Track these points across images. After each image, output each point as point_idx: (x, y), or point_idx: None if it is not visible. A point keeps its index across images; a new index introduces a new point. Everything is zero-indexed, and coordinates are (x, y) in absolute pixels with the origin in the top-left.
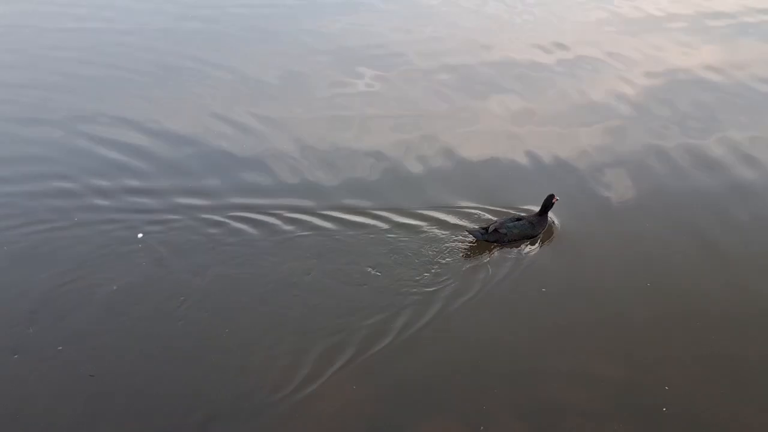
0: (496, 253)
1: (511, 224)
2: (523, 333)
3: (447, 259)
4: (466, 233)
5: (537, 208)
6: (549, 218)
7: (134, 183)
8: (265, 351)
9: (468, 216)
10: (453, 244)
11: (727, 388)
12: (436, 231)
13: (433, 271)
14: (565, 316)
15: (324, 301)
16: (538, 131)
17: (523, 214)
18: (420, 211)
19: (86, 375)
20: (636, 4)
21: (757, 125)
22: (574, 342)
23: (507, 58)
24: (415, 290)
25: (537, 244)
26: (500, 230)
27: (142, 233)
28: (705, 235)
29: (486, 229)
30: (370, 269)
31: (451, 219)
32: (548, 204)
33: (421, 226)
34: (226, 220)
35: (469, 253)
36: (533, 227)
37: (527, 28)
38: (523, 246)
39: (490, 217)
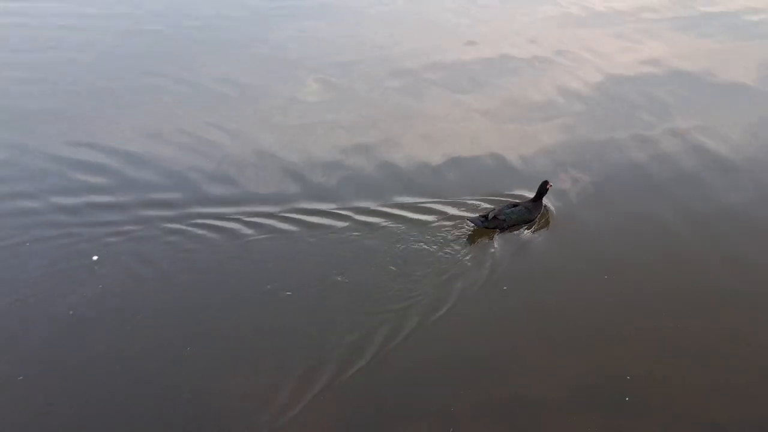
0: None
1: (509, 210)
2: (488, 331)
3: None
4: (468, 222)
5: (512, 199)
6: (543, 203)
7: (95, 198)
8: (241, 372)
9: (428, 210)
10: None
11: (688, 375)
12: (402, 228)
13: (410, 274)
14: (529, 312)
15: (303, 310)
16: (497, 128)
17: (518, 201)
18: (384, 209)
19: (45, 404)
20: (583, 4)
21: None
22: (539, 336)
23: (459, 61)
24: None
25: (532, 228)
26: (499, 217)
27: (97, 256)
28: (666, 224)
29: (486, 216)
30: (339, 277)
31: (414, 215)
32: (543, 190)
33: (380, 223)
34: (189, 228)
35: (468, 241)
36: (529, 212)
37: (475, 29)
38: (522, 230)
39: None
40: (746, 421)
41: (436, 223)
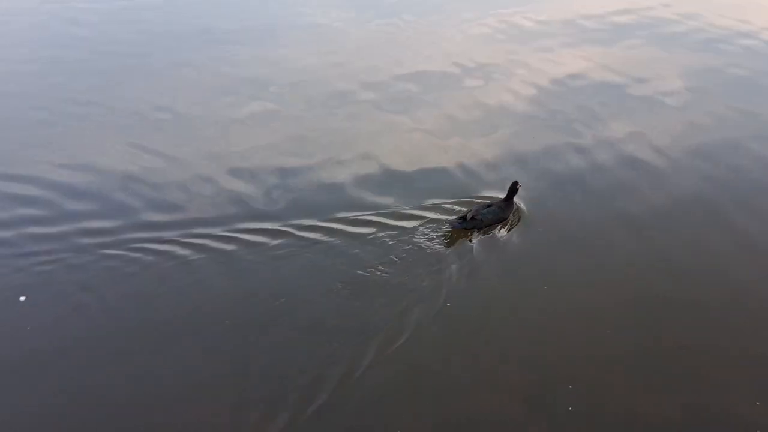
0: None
1: (485, 211)
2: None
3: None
4: (446, 224)
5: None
6: (514, 203)
7: (29, 230)
8: (195, 407)
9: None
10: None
11: (628, 382)
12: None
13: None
14: (469, 328)
15: (250, 338)
16: (437, 144)
17: (490, 202)
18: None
19: None
20: (511, 21)
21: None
22: (482, 349)
23: (393, 80)
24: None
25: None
26: (476, 217)
27: (24, 296)
28: (605, 230)
29: (464, 218)
30: (283, 299)
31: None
32: (513, 189)
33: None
34: (128, 252)
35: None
36: (503, 211)
37: (408, 49)
38: (497, 229)
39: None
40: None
41: (380, 234)
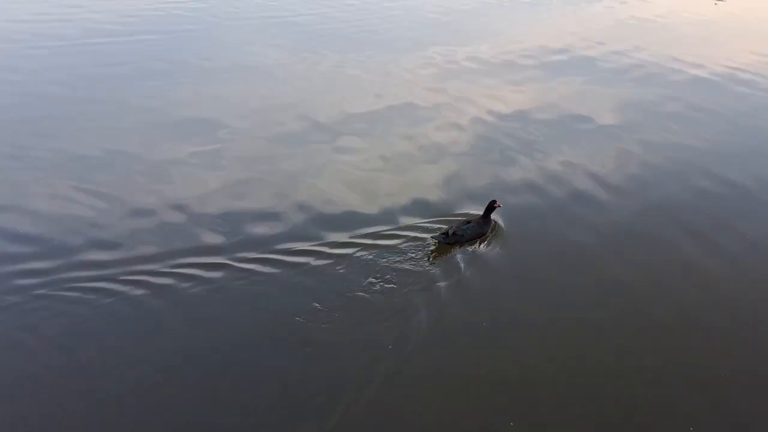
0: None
1: (465, 227)
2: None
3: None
4: (432, 240)
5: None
6: (492, 219)
7: None
8: None
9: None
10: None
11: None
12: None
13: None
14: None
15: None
16: (387, 176)
17: (469, 219)
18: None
19: None
20: (452, 57)
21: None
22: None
23: (339, 115)
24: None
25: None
26: (458, 233)
27: None
28: (551, 252)
29: (446, 233)
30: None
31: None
32: (490, 208)
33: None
34: (67, 293)
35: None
36: (481, 227)
37: (362, 85)
38: (477, 244)
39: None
40: None
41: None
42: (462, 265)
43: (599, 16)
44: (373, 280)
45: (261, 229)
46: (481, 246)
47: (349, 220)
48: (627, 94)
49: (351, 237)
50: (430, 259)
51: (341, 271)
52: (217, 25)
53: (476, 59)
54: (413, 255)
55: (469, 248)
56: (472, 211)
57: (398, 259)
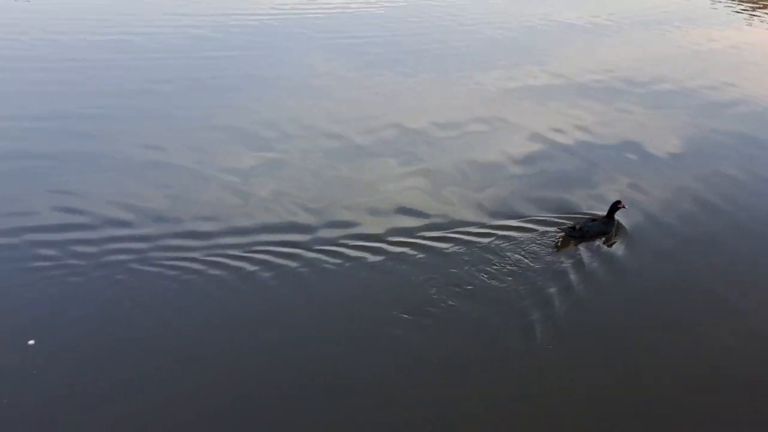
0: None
1: (590, 224)
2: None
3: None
4: (558, 232)
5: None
6: (615, 219)
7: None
8: None
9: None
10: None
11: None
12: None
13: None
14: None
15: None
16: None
17: (594, 218)
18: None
19: None
20: (502, 85)
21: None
22: None
23: (399, 130)
24: None
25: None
26: (583, 228)
27: (33, 340)
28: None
29: (573, 227)
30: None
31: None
32: (614, 208)
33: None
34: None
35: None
36: (605, 225)
37: (414, 101)
38: (599, 241)
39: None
40: None
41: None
42: (585, 260)
43: (675, 43)
44: (498, 266)
45: (402, 219)
46: (604, 244)
47: (474, 210)
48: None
49: (479, 227)
50: (555, 250)
51: (467, 258)
52: (298, 44)
53: (540, 78)
54: (537, 248)
55: (594, 244)
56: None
57: (523, 248)
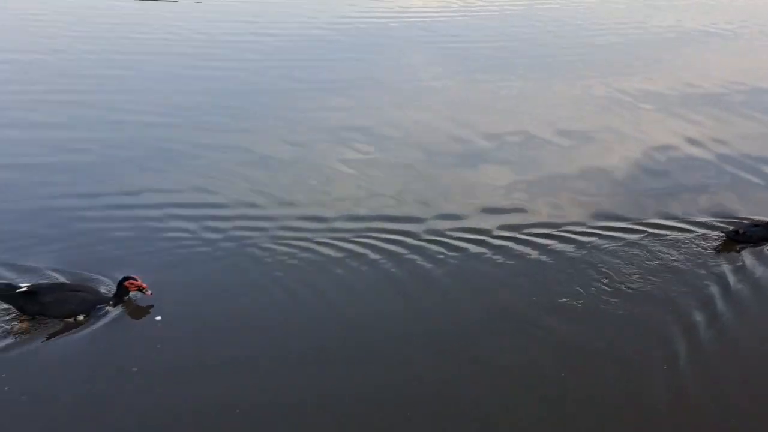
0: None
1: (753, 229)
2: None
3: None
4: (721, 235)
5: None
6: None
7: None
8: None
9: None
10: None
11: None
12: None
13: None
14: None
15: None
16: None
17: (757, 223)
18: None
19: None
20: (615, 88)
21: None
22: None
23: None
24: None
25: None
26: (747, 233)
27: (160, 316)
28: None
29: (736, 231)
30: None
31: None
32: None
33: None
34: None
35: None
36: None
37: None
38: (765, 246)
39: None
40: None
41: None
42: (748, 264)
43: None
44: (651, 264)
45: (544, 213)
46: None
47: (621, 208)
48: None
49: (632, 224)
50: (715, 252)
51: (621, 253)
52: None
53: (647, 89)
54: (696, 248)
55: (757, 249)
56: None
57: (678, 248)
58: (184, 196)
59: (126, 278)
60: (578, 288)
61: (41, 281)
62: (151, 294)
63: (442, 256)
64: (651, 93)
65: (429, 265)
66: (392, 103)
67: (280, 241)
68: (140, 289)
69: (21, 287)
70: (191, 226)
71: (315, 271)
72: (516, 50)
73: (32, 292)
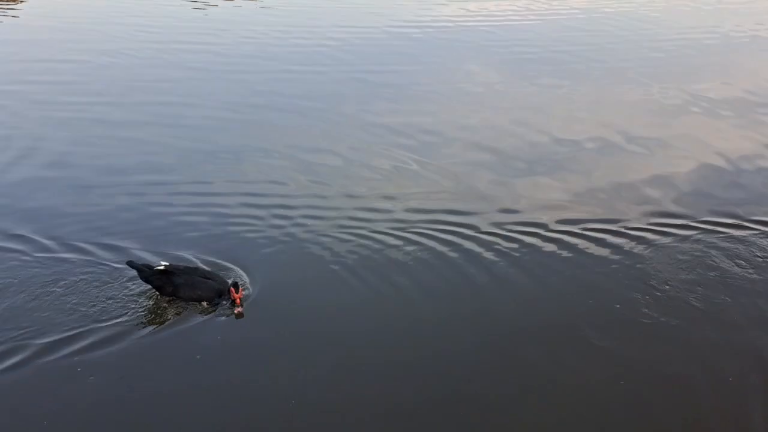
0: None
1: None
2: None
3: None
4: None
5: None
6: None
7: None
8: None
9: None
10: None
11: None
12: None
13: None
14: None
15: None
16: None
17: None
18: None
19: None
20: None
21: None
22: None
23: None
24: None
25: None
26: None
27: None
28: None
29: None
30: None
31: None
32: None
33: None
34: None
35: None
36: None
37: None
38: None
39: None
40: None
41: None
42: None
43: None
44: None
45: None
46: None
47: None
48: None
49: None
50: None
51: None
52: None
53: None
54: None
55: None
56: None
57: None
58: (294, 191)
59: (235, 284)
60: (684, 278)
61: (179, 263)
62: (240, 312)
63: (517, 254)
64: (728, 98)
65: (501, 262)
66: (461, 105)
67: (348, 231)
68: (233, 302)
69: (159, 266)
70: (292, 215)
71: (391, 262)
72: (587, 56)
73: (168, 271)
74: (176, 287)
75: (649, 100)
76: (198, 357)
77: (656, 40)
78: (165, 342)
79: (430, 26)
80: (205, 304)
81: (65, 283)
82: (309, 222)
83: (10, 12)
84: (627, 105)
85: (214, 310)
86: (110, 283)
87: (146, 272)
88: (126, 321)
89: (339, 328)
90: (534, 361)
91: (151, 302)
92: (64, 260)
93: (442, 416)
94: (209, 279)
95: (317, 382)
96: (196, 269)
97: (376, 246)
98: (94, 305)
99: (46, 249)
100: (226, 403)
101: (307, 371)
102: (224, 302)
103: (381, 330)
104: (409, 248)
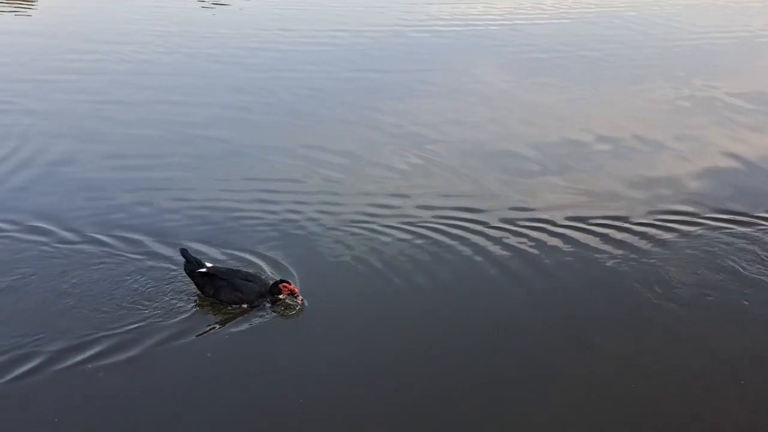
0: None
1: None
2: None
3: None
4: None
5: None
6: None
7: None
8: None
9: None
10: None
11: None
12: None
13: None
14: None
15: None
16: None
17: None
18: None
19: None
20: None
21: None
22: None
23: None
24: None
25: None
26: None
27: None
28: None
29: None
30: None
31: None
32: None
33: None
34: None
35: None
36: None
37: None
38: None
39: None
40: None
41: None
42: None
43: None
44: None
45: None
46: None
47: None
48: None
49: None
50: None
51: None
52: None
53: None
54: None
55: None
56: None
57: None
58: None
59: (282, 281)
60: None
61: (220, 265)
62: (302, 300)
63: (550, 246)
64: (741, 97)
65: (534, 250)
66: (471, 106)
67: (362, 227)
68: (292, 293)
69: (203, 268)
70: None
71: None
72: (607, 57)
73: (210, 273)
74: (217, 290)
75: (660, 100)
76: (209, 355)
77: (671, 40)
78: (196, 345)
79: (439, 27)
80: (245, 306)
81: (105, 273)
82: (323, 217)
83: (23, 11)
84: (638, 105)
85: (263, 313)
86: (159, 282)
87: (192, 266)
88: (163, 322)
89: (351, 322)
90: (545, 356)
91: (190, 305)
92: (83, 251)
93: (451, 411)
94: (250, 281)
95: (327, 378)
96: (238, 271)
97: (387, 240)
98: (141, 300)
99: (66, 240)
100: (246, 399)
101: (316, 366)
102: (266, 303)
103: (392, 324)
104: (419, 242)
